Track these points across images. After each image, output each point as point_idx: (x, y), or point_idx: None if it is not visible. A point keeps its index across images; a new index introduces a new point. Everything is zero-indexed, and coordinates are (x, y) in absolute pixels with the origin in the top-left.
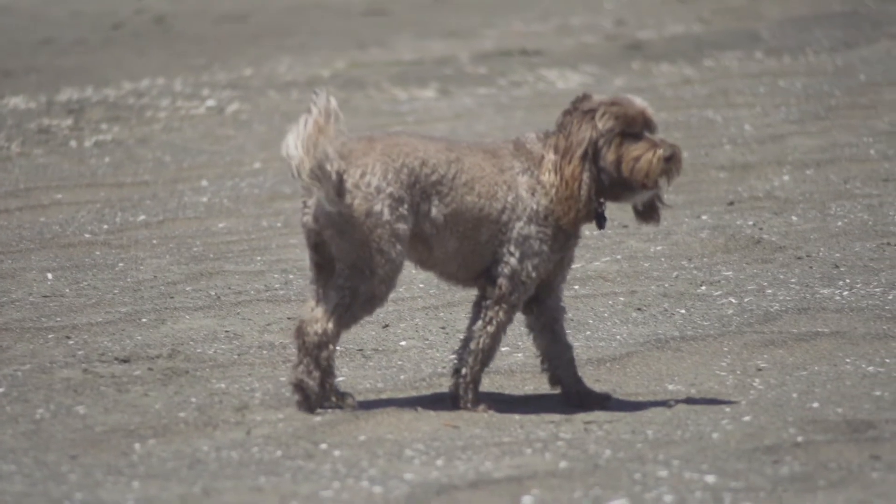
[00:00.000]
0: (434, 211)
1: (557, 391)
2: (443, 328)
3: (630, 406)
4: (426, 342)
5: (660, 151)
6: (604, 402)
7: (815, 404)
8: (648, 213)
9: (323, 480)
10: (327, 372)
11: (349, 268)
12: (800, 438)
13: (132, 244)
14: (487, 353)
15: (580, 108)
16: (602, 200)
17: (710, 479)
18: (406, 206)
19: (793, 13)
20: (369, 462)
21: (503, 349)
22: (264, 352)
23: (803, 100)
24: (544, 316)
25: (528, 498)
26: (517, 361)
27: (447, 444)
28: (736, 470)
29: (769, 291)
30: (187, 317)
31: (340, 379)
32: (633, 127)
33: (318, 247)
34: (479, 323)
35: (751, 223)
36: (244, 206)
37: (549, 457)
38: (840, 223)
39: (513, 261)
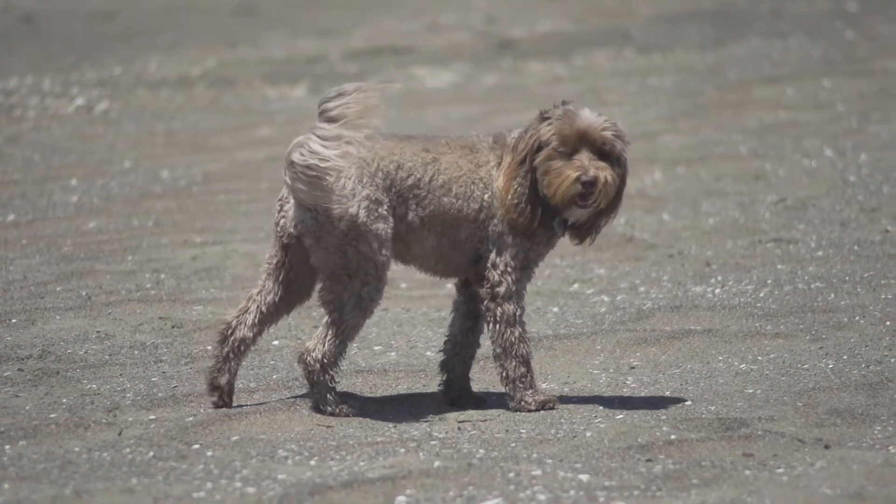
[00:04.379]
0: (410, 214)
1: (440, 381)
2: (316, 327)
3: (503, 404)
4: (298, 341)
5: (574, 174)
6: (480, 404)
7: (688, 402)
8: (578, 231)
9: (195, 481)
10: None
11: (328, 277)
12: (673, 436)
13: (1, 244)
14: (514, 348)
15: (545, 113)
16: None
17: (584, 477)
18: (385, 207)
19: (663, 11)
20: (242, 462)
21: (375, 348)
22: (136, 352)
23: (674, 97)
24: (474, 302)
25: (402, 498)
26: (390, 360)
27: (320, 444)
28: (609, 468)
29: (642, 289)
30: (58, 317)
31: None
32: (566, 145)
33: (287, 248)
34: (490, 326)
35: (623, 221)
36: (115, 205)
37: (422, 456)
38: (712, 221)
39: (493, 256)
